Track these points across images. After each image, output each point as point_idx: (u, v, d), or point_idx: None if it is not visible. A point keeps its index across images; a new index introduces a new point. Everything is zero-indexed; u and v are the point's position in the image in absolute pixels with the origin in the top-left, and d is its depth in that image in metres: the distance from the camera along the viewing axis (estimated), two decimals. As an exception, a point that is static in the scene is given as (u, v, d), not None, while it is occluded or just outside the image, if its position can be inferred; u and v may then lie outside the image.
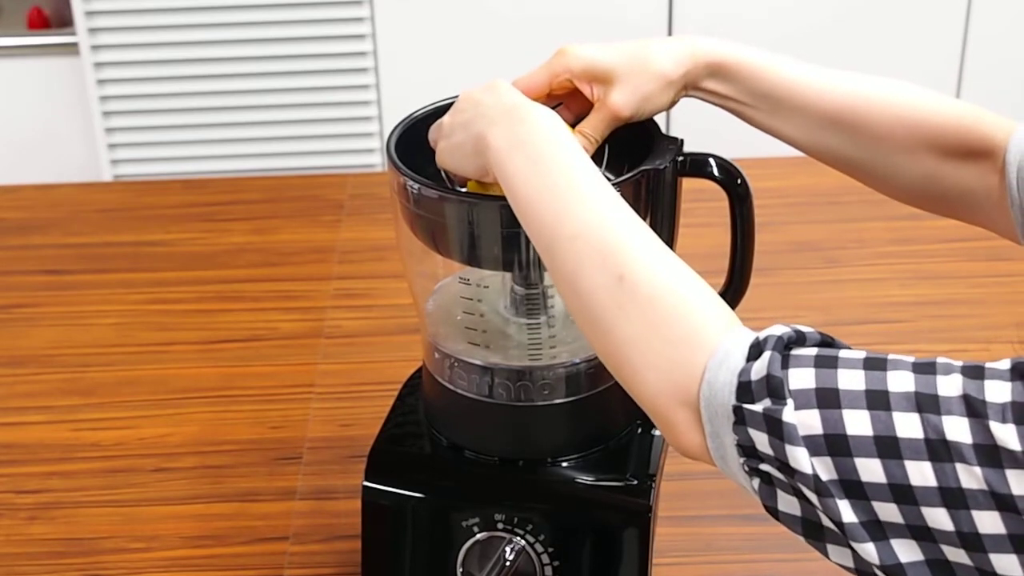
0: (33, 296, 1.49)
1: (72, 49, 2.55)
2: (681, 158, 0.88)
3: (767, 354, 0.65)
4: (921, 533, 0.61)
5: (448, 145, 0.83)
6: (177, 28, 2.51)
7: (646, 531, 0.92)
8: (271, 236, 1.59)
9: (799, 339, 0.67)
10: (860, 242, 1.54)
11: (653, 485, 0.92)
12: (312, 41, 2.53)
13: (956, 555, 0.60)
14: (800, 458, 0.62)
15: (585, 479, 0.94)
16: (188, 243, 1.58)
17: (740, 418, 0.65)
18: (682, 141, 0.89)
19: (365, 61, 2.55)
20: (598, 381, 0.93)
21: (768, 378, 0.64)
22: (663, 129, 0.91)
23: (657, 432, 0.97)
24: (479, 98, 0.81)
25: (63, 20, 2.63)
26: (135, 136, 2.60)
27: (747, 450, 0.65)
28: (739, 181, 0.89)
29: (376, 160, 2.64)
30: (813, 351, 0.65)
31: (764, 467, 0.65)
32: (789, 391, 0.63)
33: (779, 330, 0.66)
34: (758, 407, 0.64)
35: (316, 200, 1.67)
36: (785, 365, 0.64)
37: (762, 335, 0.67)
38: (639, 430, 0.97)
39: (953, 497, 0.59)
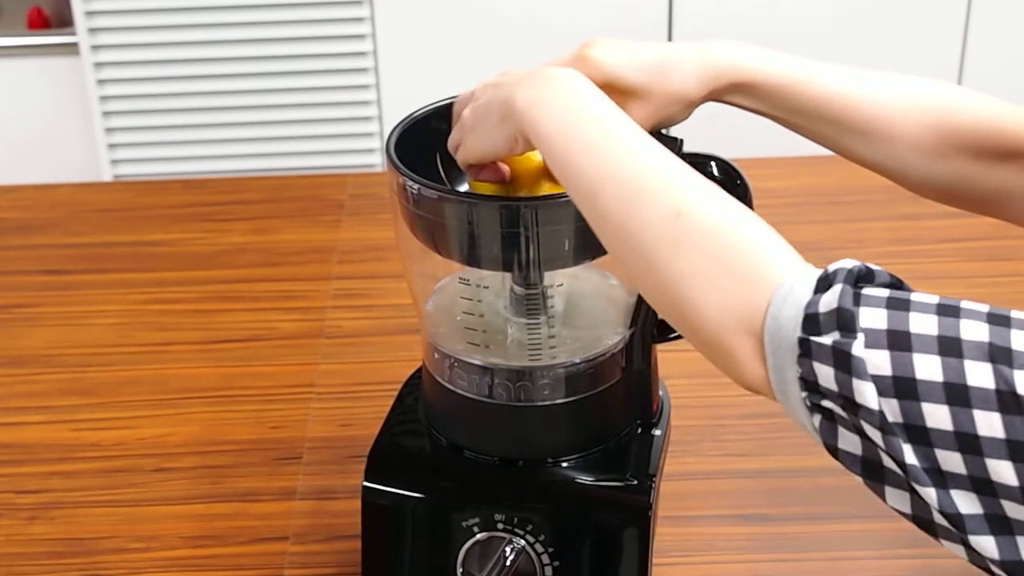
0: (33, 296, 1.49)
1: (72, 49, 2.55)
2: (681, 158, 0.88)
3: (838, 287, 0.64)
4: (983, 486, 0.60)
5: (474, 133, 0.82)
6: (177, 28, 2.51)
7: (646, 531, 0.92)
8: (271, 236, 1.59)
9: (868, 275, 0.66)
10: (860, 242, 1.54)
11: (653, 485, 0.92)
12: (312, 41, 2.53)
13: (1017, 511, 0.60)
14: (867, 393, 0.61)
15: (585, 479, 0.94)
16: (188, 243, 1.58)
17: (806, 351, 0.64)
18: (682, 141, 0.89)
19: (365, 61, 2.55)
20: (598, 381, 0.93)
21: (839, 311, 0.63)
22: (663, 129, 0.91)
23: (657, 432, 0.97)
24: (496, 80, 0.81)
25: (63, 20, 2.64)
26: (135, 136, 2.60)
27: (810, 384, 0.64)
28: (739, 181, 0.89)
29: (376, 160, 2.64)
30: (885, 292, 0.64)
31: (826, 403, 0.64)
32: (860, 327, 0.62)
33: (849, 264, 0.66)
34: (826, 339, 0.63)
35: (316, 200, 1.68)
36: (857, 302, 0.63)
37: (831, 268, 0.66)
38: (639, 430, 0.97)
39: (1020, 451, 0.58)
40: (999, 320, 0.61)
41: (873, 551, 1.09)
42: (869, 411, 0.62)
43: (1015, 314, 0.61)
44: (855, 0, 2.55)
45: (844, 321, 0.63)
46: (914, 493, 0.62)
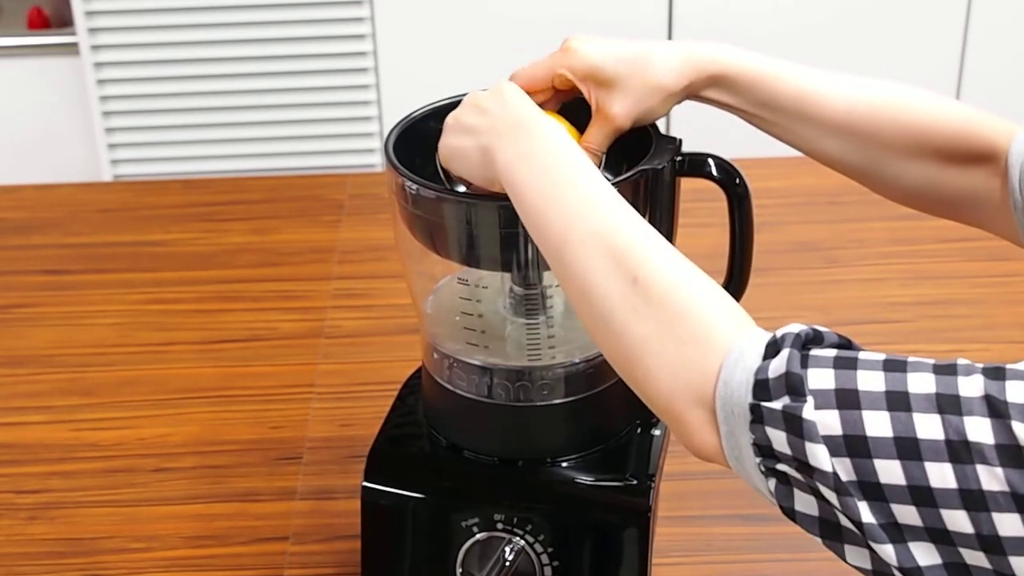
0: (33, 296, 1.49)
1: (72, 49, 2.55)
2: (680, 158, 0.88)
3: (785, 352, 0.64)
4: (940, 536, 0.60)
5: (450, 146, 0.83)
6: (177, 28, 2.51)
7: (646, 531, 0.92)
8: (271, 236, 1.59)
9: (816, 338, 0.66)
10: (860, 242, 1.54)
11: (653, 485, 0.92)
12: (312, 41, 2.53)
13: (975, 558, 0.60)
14: (819, 456, 0.62)
15: (585, 479, 0.94)
16: (188, 243, 1.58)
17: (758, 416, 0.65)
18: (680, 141, 0.89)
19: (365, 61, 2.55)
20: (597, 381, 0.93)
21: (787, 376, 0.63)
22: (663, 129, 0.91)
23: (657, 432, 0.97)
24: (486, 105, 0.81)
25: (63, 20, 2.64)
26: (135, 136, 2.60)
27: (764, 450, 0.65)
28: (738, 181, 0.89)
29: (376, 160, 2.64)
30: (832, 352, 0.65)
31: (781, 467, 0.65)
32: (809, 390, 0.63)
33: (796, 328, 0.66)
34: (777, 404, 0.63)
35: (316, 200, 1.68)
36: (804, 364, 0.64)
37: (779, 333, 0.66)
38: (639, 430, 0.97)
39: (973, 499, 0.59)
40: (945, 370, 0.61)
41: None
42: (823, 473, 0.62)
43: (961, 362, 0.62)
44: (855, 1, 2.55)
45: (793, 385, 0.63)
46: (873, 550, 0.63)
